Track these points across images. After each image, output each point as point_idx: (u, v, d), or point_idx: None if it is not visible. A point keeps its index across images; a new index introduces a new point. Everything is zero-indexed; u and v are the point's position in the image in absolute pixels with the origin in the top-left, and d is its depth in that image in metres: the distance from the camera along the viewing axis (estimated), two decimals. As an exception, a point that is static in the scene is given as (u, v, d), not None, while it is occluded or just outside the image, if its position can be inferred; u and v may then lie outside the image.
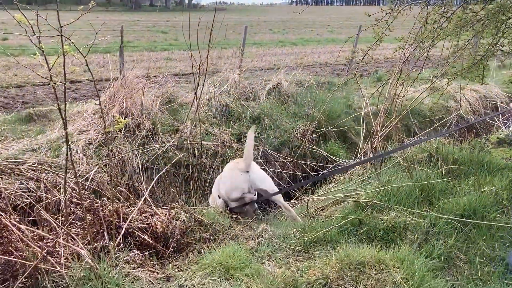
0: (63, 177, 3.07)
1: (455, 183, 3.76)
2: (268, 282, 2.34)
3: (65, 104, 2.23)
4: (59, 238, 2.39)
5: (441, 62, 6.08)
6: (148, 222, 3.04)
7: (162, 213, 3.16)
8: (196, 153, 5.79)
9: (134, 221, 3.02)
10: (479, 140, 5.21)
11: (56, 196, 3.96)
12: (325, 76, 10.01)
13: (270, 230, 3.15)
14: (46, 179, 4.35)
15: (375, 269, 2.54)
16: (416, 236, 3.03)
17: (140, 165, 5.35)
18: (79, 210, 3.06)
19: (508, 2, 4.67)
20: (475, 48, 5.45)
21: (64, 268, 2.31)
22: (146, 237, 2.93)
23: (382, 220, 3.17)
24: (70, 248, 2.37)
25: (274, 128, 6.54)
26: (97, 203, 3.01)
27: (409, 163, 3.81)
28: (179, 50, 17.64)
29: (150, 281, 2.52)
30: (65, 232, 2.42)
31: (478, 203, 3.27)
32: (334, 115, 7.22)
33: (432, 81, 6.21)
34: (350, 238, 3.04)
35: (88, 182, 4.50)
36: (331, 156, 6.15)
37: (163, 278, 2.61)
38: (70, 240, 2.42)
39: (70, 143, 5.37)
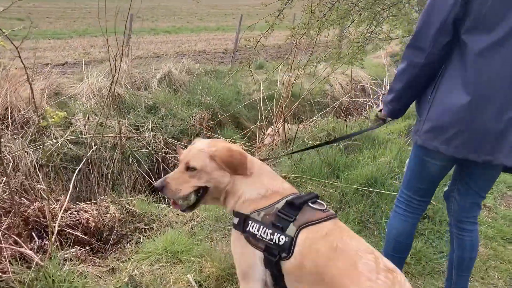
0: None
1: (353, 157, 4.24)
2: (221, 260, 2.47)
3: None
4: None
5: (324, 49, 6.66)
6: (77, 218, 2.94)
7: (90, 208, 3.07)
8: (93, 146, 5.55)
9: (62, 219, 2.90)
10: (361, 118, 5.86)
11: None
12: (208, 64, 10.16)
13: (200, 214, 3.26)
14: None
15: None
16: (332, 205, 3.40)
17: (34, 163, 4.98)
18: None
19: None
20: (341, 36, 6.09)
21: (4, 272, 2.18)
22: (78, 233, 2.84)
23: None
24: (13, 251, 2.24)
25: (171, 117, 6.55)
26: (19, 203, 2.83)
27: (315, 141, 4.19)
28: (44, 39, 16.37)
29: (97, 275, 2.48)
30: (4, 234, 2.27)
31: (377, 173, 3.75)
32: (226, 102, 7.46)
33: (315, 67, 6.73)
34: (276, 213, 3.29)
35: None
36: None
37: (108, 271, 2.59)
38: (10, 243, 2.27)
39: None
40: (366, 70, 10.70)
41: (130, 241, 2.91)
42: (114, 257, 2.76)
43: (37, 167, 4.92)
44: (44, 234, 2.80)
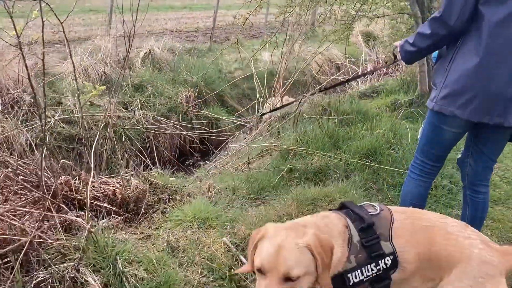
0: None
1: (349, 130, 4.46)
2: (254, 223, 2.65)
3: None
4: (46, 210, 2.32)
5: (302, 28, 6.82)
6: (103, 191, 3.03)
7: (112, 181, 3.17)
8: (86, 125, 5.56)
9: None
10: (348, 93, 6.11)
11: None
12: (186, 43, 10.12)
13: (216, 185, 3.42)
14: None
15: (326, 202, 3.05)
16: (338, 174, 3.63)
17: (29, 143, 4.96)
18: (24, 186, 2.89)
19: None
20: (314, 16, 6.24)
21: (57, 240, 2.29)
22: (106, 204, 2.94)
23: (308, 164, 3.69)
24: (60, 219, 2.33)
25: (158, 96, 6.58)
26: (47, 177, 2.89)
27: (316, 115, 4.39)
28: (6, 17, 15.71)
29: (136, 242, 2.61)
30: (54, 204, 2.36)
31: (376, 144, 4.00)
32: (210, 80, 7.53)
33: (300, 46, 6.91)
34: (287, 183, 3.49)
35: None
36: (223, 118, 6.49)
37: (144, 238, 2.72)
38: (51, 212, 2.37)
39: None
40: (341, 49, 10.95)
41: (156, 211, 3.04)
42: (144, 226, 2.89)
43: (33, 147, 4.90)
44: (72, 207, 2.89)
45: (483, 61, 2.12)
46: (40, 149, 2.49)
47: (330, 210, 1.84)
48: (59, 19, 2.18)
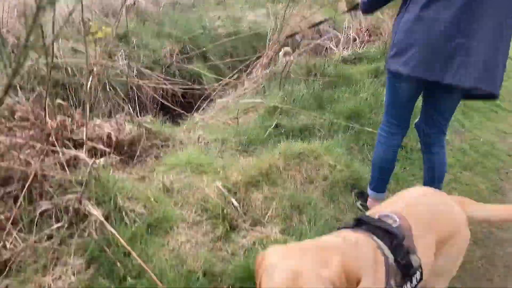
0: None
1: (333, 92, 4.63)
2: (247, 168, 2.81)
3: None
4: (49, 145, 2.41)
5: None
6: (97, 133, 3.12)
7: (105, 125, 3.25)
8: (69, 71, 5.52)
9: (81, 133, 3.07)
10: (330, 58, 6.25)
11: None
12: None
13: (206, 136, 3.55)
14: None
15: (313, 157, 3.22)
16: (323, 133, 3.81)
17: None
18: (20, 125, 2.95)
19: None
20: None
21: (58, 174, 2.39)
22: (101, 146, 3.03)
23: (294, 122, 3.85)
24: (64, 155, 2.43)
25: (142, 48, 6.55)
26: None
27: (302, 76, 4.53)
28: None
29: (132, 182, 2.73)
30: (57, 140, 2.44)
31: (359, 107, 4.19)
32: (194, 36, 7.52)
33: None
34: (274, 138, 3.65)
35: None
36: (207, 74, 6.55)
37: (139, 179, 2.85)
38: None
39: None
40: (324, 14, 10.99)
41: (149, 155, 3.15)
42: (138, 168, 3.01)
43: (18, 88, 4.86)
44: (68, 147, 2.97)
45: (421, 16, 2.28)
46: (46, 86, 2.53)
47: (343, 228, 1.59)
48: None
